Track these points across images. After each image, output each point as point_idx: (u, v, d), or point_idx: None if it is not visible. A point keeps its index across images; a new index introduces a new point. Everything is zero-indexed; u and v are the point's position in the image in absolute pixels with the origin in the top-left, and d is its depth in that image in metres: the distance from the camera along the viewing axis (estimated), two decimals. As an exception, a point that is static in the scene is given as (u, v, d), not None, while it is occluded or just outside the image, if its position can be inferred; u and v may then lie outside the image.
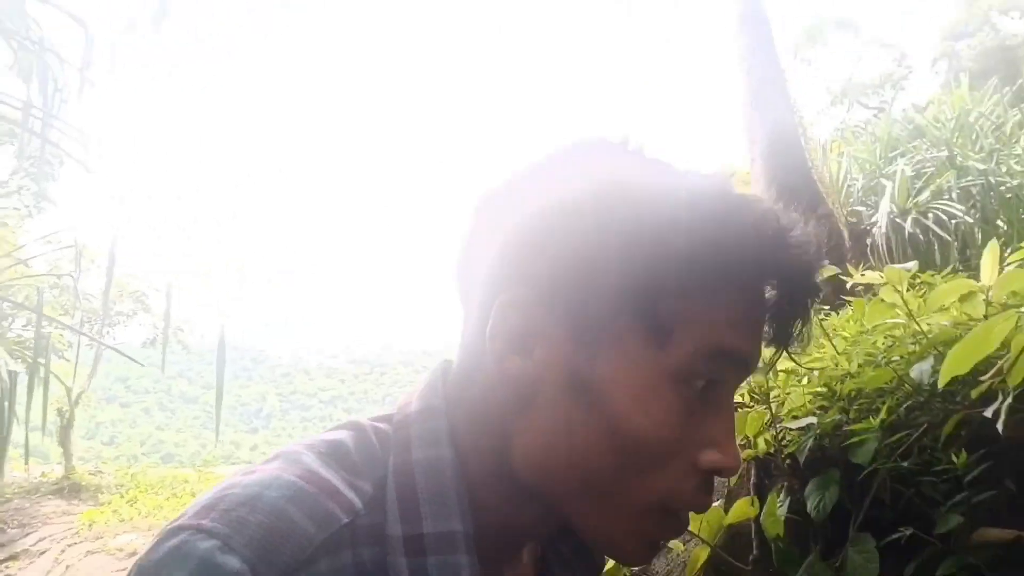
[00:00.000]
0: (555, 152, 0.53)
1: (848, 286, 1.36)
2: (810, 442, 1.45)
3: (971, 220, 4.40)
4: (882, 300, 1.29)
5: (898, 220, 4.46)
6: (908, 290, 1.53)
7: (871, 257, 4.64)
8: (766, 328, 0.53)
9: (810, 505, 1.39)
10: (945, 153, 4.70)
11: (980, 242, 4.48)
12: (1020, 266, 1.21)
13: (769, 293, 0.51)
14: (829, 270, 1.34)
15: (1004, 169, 4.63)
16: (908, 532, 1.23)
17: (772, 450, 1.56)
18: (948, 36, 13.82)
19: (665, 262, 0.46)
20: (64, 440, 10.87)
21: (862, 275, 1.32)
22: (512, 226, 0.50)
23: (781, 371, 1.54)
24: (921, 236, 4.48)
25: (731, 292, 0.48)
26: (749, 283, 0.49)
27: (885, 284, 1.27)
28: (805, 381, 1.51)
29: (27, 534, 6.98)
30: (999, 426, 1.05)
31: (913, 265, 1.22)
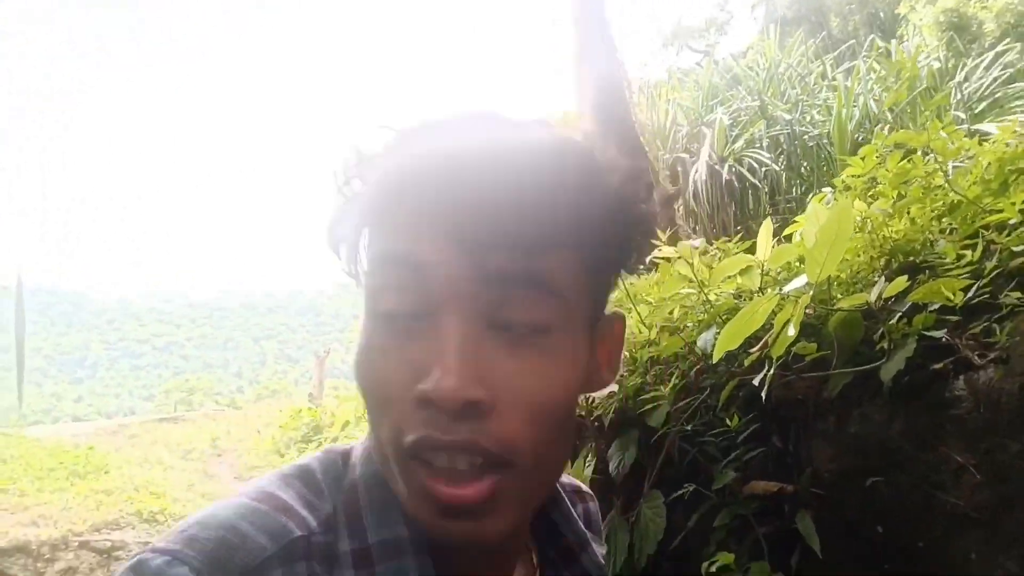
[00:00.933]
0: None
1: (646, 260, 1.41)
2: (614, 406, 1.52)
3: (778, 168, 4.78)
4: (677, 272, 1.35)
5: (716, 167, 4.75)
6: (704, 254, 1.61)
7: (693, 203, 4.93)
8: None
9: (611, 465, 1.47)
10: (758, 103, 5.03)
11: (786, 188, 4.88)
12: (790, 239, 1.30)
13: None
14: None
15: (808, 119, 5.04)
16: (691, 488, 1.33)
17: (584, 413, 1.62)
18: (764, -17, 14.61)
19: (362, 207, 0.49)
20: None
21: (659, 248, 1.37)
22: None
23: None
24: (736, 183, 4.81)
25: (382, 202, 0.48)
26: (392, 184, 0.47)
27: (679, 257, 1.32)
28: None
29: None
30: (763, 394, 1.14)
31: (700, 242, 1.28)
